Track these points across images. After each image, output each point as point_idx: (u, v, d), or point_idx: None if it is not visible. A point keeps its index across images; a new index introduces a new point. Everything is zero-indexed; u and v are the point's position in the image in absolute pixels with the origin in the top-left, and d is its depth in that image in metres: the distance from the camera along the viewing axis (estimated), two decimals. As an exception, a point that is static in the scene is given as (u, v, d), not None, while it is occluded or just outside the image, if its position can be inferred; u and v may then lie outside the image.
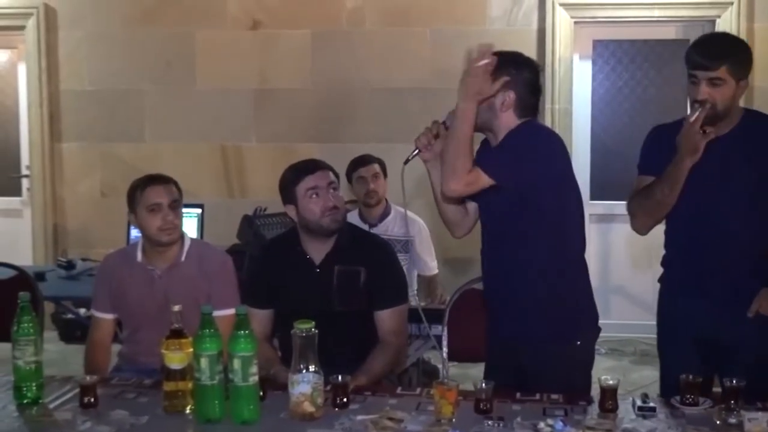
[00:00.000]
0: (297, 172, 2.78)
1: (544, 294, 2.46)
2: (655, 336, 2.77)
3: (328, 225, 2.73)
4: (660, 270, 2.76)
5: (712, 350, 2.56)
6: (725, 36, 2.93)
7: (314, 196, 2.72)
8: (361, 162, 4.24)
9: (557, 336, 2.46)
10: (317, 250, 2.80)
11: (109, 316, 2.97)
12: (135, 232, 4.41)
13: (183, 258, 2.90)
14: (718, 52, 2.49)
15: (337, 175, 2.84)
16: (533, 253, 2.45)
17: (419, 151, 2.54)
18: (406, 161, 2.56)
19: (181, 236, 2.93)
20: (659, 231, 2.76)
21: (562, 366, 2.43)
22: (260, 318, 2.75)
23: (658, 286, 2.76)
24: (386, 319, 2.79)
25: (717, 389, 2.47)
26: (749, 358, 2.46)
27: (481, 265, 2.62)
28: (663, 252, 2.75)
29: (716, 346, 2.56)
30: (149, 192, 2.85)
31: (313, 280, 2.77)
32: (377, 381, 2.64)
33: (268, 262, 2.90)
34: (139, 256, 2.92)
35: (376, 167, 4.24)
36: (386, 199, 4.32)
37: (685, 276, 2.63)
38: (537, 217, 2.43)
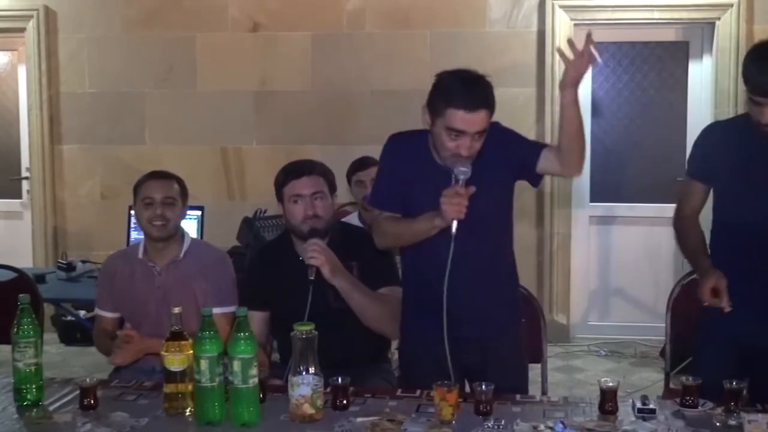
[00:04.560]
0: (285, 175, 2.82)
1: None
2: (655, 338, 2.77)
3: (304, 231, 2.75)
4: (658, 273, 2.75)
5: (748, 356, 2.53)
6: None
7: (297, 202, 2.76)
8: (360, 165, 4.22)
9: None
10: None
11: (112, 315, 3.01)
12: (135, 234, 4.43)
13: (182, 255, 2.94)
14: None
15: (332, 179, 2.85)
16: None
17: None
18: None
19: (182, 234, 2.98)
20: (659, 232, 2.76)
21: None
22: (256, 320, 2.75)
23: (657, 288, 2.76)
24: None
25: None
26: None
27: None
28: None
29: (753, 353, 2.52)
30: (146, 186, 2.93)
31: (306, 280, 2.76)
32: (356, 298, 2.68)
33: (262, 265, 2.94)
34: (141, 253, 2.97)
35: (375, 171, 4.22)
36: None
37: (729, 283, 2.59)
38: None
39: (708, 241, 2.70)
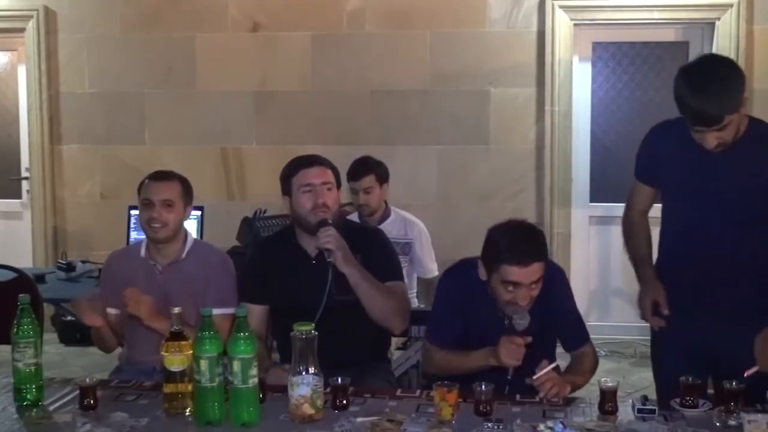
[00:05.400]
0: (295, 165, 2.81)
1: None
2: (654, 338, 2.77)
3: (313, 222, 2.74)
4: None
5: (703, 358, 2.54)
6: (720, 82, 2.38)
7: (307, 191, 2.74)
8: (354, 175, 4.18)
9: None
10: (311, 244, 2.80)
11: (114, 312, 2.99)
12: (135, 234, 4.43)
13: (184, 255, 2.94)
14: (720, 108, 2.33)
15: (338, 174, 2.86)
16: None
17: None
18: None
19: (184, 235, 2.97)
20: (659, 232, 2.75)
21: None
22: (255, 314, 2.75)
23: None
24: None
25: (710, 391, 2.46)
26: (738, 365, 2.35)
27: None
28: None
29: (709, 359, 2.53)
30: (146, 187, 2.93)
31: (309, 272, 2.78)
32: (363, 284, 2.68)
33: (263, 258, 2.93)
34: (143, 251, 2.97)
35: (369, 180, 4.18)
36: (386, 202, 4.31)
37: (675, 290, 2.61)
38: None
39: (657, 245, 2.70)
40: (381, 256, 2.85)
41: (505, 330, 2.44)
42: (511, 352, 2.36)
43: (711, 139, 2.37)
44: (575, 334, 2.66)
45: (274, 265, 2.84)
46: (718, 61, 2.52)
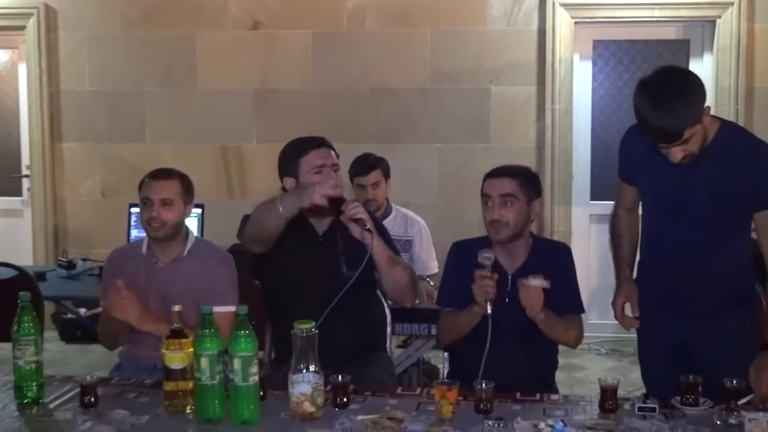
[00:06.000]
0: (304, 145, 2.80)
1: None
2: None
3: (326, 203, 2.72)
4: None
5: (688, 358, 2.54)
6: (677, 97, 2.32)
7: (318, 172, 2.73)
8: (361, 170, 4.16)
9: None
10: (319, 223, 2.84)
11: None
12: (135, 232, 4.43)
13: (185, 253, 2.93)
14: (676, 125, 2.28)
15: (338, 157, 2.88)
16: None
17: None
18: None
19: (186, 233, 2.97)
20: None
21: None
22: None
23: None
24: None
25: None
26: (718, 365, 2.35)
27: None
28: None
29: (690, 357, 2.54)
30: (145, 185, 2.92)
31: (318, 248, 2.81)
32: (383, 256, 2.73)
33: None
34: (144, 249, 2.97)
35: (376, 175, 4.17)
36: (387, 199, 4.31)
37: (655, 290, 2.62)
38: None
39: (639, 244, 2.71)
40: (383, 235, 2.88)
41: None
42: (479, 289, 2.51)
43: (676, 153, 2.34)
44: (569, 302, 2.72)
45: (282, 243, 2.79)
46: (675, 74, 2.44)
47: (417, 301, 3.79)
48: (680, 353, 2.56)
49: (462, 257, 2.73)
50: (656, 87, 2.36)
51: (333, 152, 2.81)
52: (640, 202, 2.72)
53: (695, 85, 2.35)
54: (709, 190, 2.44)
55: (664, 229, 2.57)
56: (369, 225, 2.67)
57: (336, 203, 2.67)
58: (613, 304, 2.68)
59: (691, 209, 2.48)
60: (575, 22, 5.44)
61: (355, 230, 2.69)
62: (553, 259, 2.71)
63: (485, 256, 2.54)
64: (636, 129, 2.51)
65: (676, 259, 2.54)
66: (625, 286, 2.67)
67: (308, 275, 2.76)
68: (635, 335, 2.80)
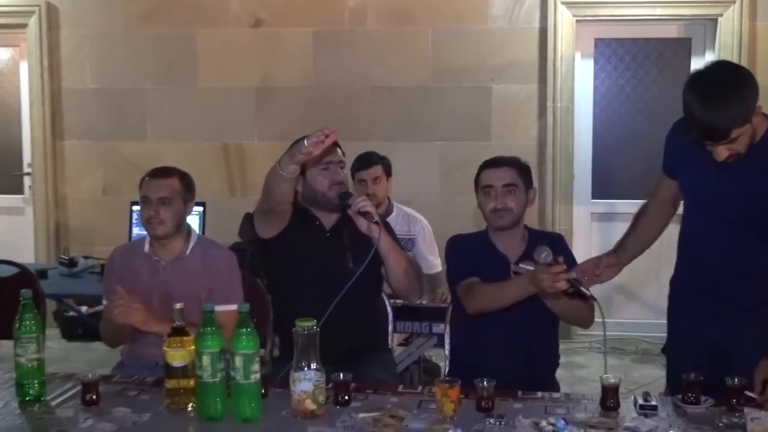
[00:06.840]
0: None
1: None
2: (656, 334, 2.77)
3: (333, 198, 2.79)
4: (660, 270, 2.75)
5: (716, 357, 2.51)
6: (728, 94, 2.23)
7: (324, 170, 2.81)
8: (363, 164, 4.18)
9: None
10: (326, 218, 2.89)
11: None
12: (137, 230, 4.44)
13: (188, 252, 2.93)
14: (724, 124, 2.21)
15: (343, 154, 2.92)
16: None
17: None
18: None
19: (188, 231, 2.97)
20: (663, 231, 2.76)
21: None
22: None
23: (659, 285, 2.76)
24: None
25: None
26: (748, 367, 2.33)
27: None
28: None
29: (719, 355, 2.51)
30: (145, 184, 2.93)
31: (325, 243, 2.85)
32: (390, 249, 2.74)
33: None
34: (147, 247, 2.96)
35: (377, 170, 4.18)
36: (389, 198, 4.31)
37: (688, 288, 2.62)
38: None
39: (668, 242, 2.70)
40: (394, 233, 2.92)
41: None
42: (552, 279, 2.42)
43: (722, 152, 2.29)
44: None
45: (289, 233, 2.85)
46: (728, 70, 2.36)
47: (425, 301, 3.80)
48: (710, 354, 2.53)
49: (462, 249, 2.81)
50: (707, 82, 2.27)
51: (339, 149, 2.85)
52: (681, 201, 2.69)
53: (748, 83, 2.26)
54: (748, 190, 2.40)
55: (701, 227, 2.54)
56: (376, 218, 2.69)
57: (343, 198, 2.75)
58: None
59: (728, 205, 2.44)
60: (577, 21, 5.43)
61: (362, 224, 2.71)
62: (551, 247, 2.69)
63: (543, 255, 2.51)
64: (682, 122, 2.47)
65: (711, 257, 2.52)
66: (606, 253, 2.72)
67: (315, 270, 2.79)
68: (636, 334, 2.79)
